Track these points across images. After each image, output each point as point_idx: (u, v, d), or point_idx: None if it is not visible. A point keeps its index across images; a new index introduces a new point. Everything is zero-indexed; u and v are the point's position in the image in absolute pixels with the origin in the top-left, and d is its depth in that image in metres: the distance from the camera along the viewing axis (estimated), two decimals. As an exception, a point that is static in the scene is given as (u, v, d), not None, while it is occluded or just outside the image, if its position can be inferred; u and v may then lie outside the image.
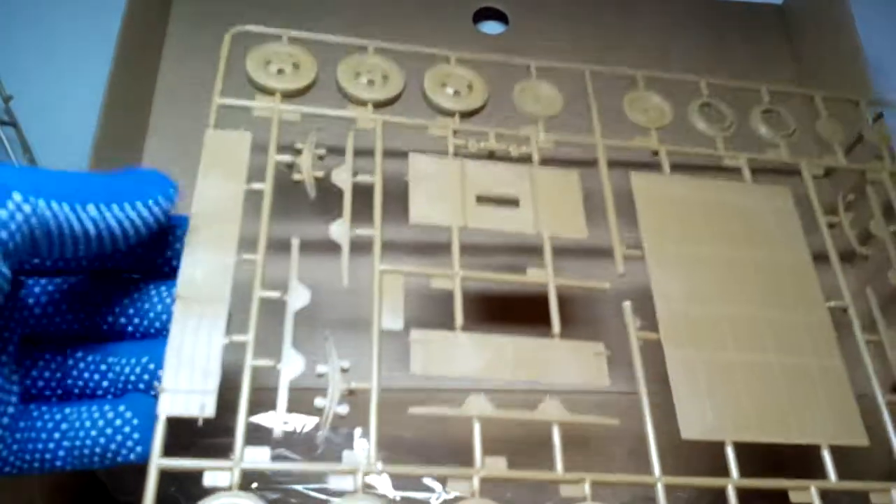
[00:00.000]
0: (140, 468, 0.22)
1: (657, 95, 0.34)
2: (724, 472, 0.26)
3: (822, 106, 0.36)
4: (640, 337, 0.27)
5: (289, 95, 0.30)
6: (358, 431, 0.31)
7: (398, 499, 0.31)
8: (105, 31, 0.36)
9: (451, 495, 0.31)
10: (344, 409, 0.24)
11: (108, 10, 0.37)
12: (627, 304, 0.28)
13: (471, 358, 0.25)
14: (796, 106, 0.37)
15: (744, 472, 0.26)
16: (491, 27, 0.46)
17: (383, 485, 0.31)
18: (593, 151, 0.32)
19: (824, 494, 0.26)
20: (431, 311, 0.28)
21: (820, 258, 0.31)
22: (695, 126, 0.34)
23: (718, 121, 0.34)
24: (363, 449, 0.23)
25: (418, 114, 0.31)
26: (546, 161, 0.31)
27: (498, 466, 0.24)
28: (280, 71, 0.30)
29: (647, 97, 0.34)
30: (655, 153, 0.32)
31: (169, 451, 0.22)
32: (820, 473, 0.26)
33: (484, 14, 0.46)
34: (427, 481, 0.32)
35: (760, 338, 0.28)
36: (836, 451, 0.27)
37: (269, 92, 0.30)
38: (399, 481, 0.31)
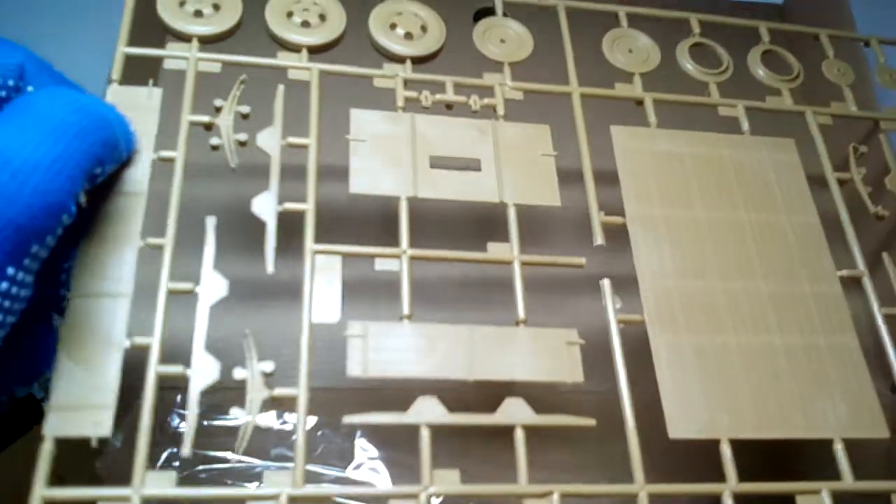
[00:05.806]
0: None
1: (642, 34, 0.30)
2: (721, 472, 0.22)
3: (828, 44, 0.31)
4: (621, 320, 0.23)
5: (208, 41, 0.26)
6: (358, 431, 0.29)
7: None
8: (106, 31, 0.34)
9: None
10: (266, 421, 0.20)
11: (109, 10, 0.36)
12: (606, 282, 0.24)
13: (419, 354, 0.21)
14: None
15: (744, 472, 0.22)
16: None
17: (382, 482, 0.29)
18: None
19: (839, 496, 0.22)
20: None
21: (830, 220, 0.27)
22: (685, 70, 0.30)
23: (712, 64, 0.30)
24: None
25: (363, 62, 0.27)
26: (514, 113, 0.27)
27: (450, 479, 0.20)
28: (198, 13, 0.26)
29: (631, 35, 0.30)
30: (640, 102, 0.28)
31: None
32: (833, 472, 0.23)
33: (485, 14, 0.43)
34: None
35: (762, 316, 0.25)
36: (852, 446, 0.23)
37: (184, 38, 0.26)
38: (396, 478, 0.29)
